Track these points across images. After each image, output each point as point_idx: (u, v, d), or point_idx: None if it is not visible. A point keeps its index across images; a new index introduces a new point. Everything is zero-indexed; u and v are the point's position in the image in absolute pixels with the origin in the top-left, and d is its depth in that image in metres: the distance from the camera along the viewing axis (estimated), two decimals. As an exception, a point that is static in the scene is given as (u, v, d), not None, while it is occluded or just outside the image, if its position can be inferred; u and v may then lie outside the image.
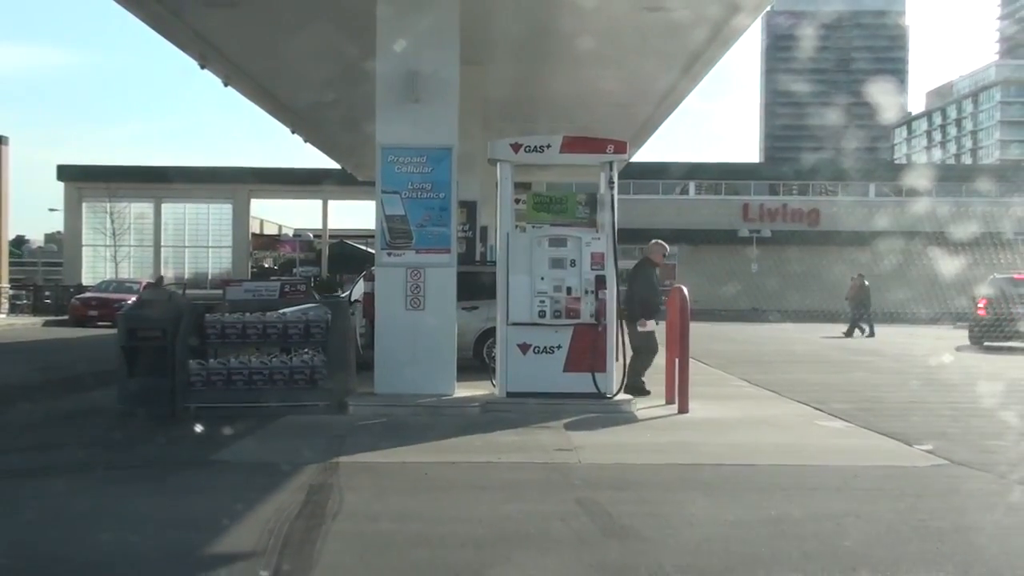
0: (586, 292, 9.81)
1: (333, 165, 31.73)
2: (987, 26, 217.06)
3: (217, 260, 47.03)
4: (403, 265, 10.08)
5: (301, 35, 14.82)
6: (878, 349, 21.15)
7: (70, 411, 10.17)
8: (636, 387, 10.54)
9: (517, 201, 10.12)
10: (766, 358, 18.65)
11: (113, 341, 10.12)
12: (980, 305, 21.80)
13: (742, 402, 11.06)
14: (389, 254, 10.14)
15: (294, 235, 51.74)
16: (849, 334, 25.81)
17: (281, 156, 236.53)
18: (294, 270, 45.32)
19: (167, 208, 46.76)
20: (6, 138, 37.57)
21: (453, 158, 10.15)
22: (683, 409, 9.75)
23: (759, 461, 7.39)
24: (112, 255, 44.02)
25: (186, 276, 45.10)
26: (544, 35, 15.31)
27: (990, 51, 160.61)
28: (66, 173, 46.12)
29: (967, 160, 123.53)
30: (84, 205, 45.88)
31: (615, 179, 10.03)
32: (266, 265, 50.25)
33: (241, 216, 46.79)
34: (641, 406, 9.87)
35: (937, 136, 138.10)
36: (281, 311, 10.08)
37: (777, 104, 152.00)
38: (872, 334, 25.50)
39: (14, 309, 34.20)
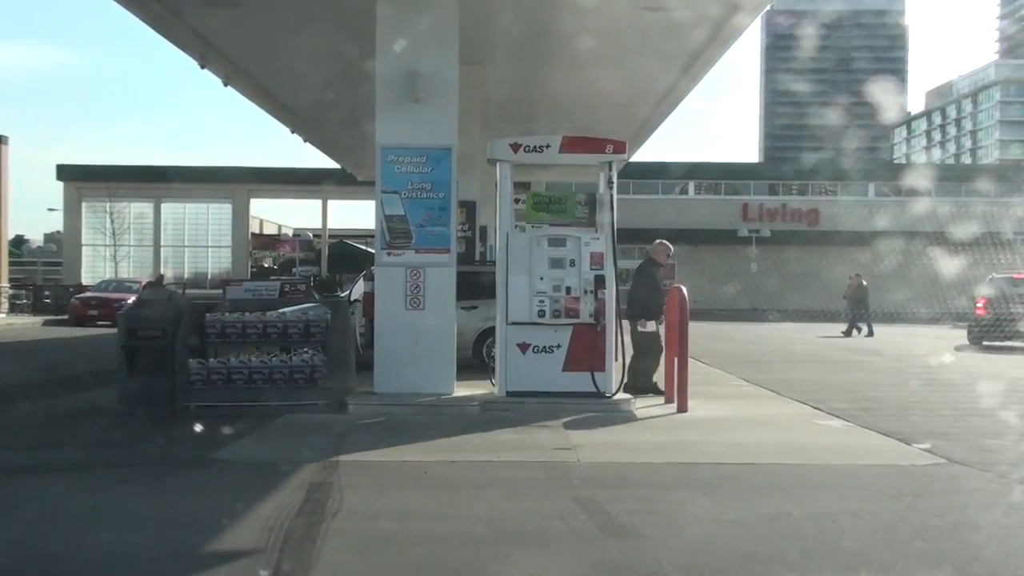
0: (585, 292, 9.82)
1: (333, 165, 31.75)
2: (987, 26, 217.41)
3: (217, 260, 47.08)
4: (403, 265, 10.09)
5: (301, 35, 14.84)
6: (877, 349, 21.17)
7: (70, 410, 10.18)
8: (642, 388, 10.55)
9: (516, 201, 10.14)
10: (765, 358, 18.67)
11: (113, 341, 10.14)
12: (979, 305, 21.82)
13: (741, 401, 11.07)
14: (389, 254, 10.15)
15: (294, 235, 51.81)
16: (848, 334, 25.84)
17: (281, 156, 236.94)
18: (294, 270, 45.35)
19: (167, 208, 46.81)
20: (6, 138, 37.59)
21: (453, 158, 10.16)
22: (682, 408, 9.77)
23: (758, 460, 7.41)
24: (112, 255, 44.07)
25: (186, 276, 45.14)
26: (544, 35, 15.33)
27: (990, 51, 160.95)
28: (66, 173, 46.17)
29: (967, 160, 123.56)
30: (84, 205, 45.94)
31: (614, 179, 10.05)
32: (266, 265, 50.31)
33: (241, 216, 46.83)
34: (640, 405, 9.89)
35: (937, 136, 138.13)
36: (281, 311, 10.10)
37: (777, 104, 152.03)
38: (871, 334, 25.53)
39: (14, 309, 34.23)
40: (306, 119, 22.59)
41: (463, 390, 10.15)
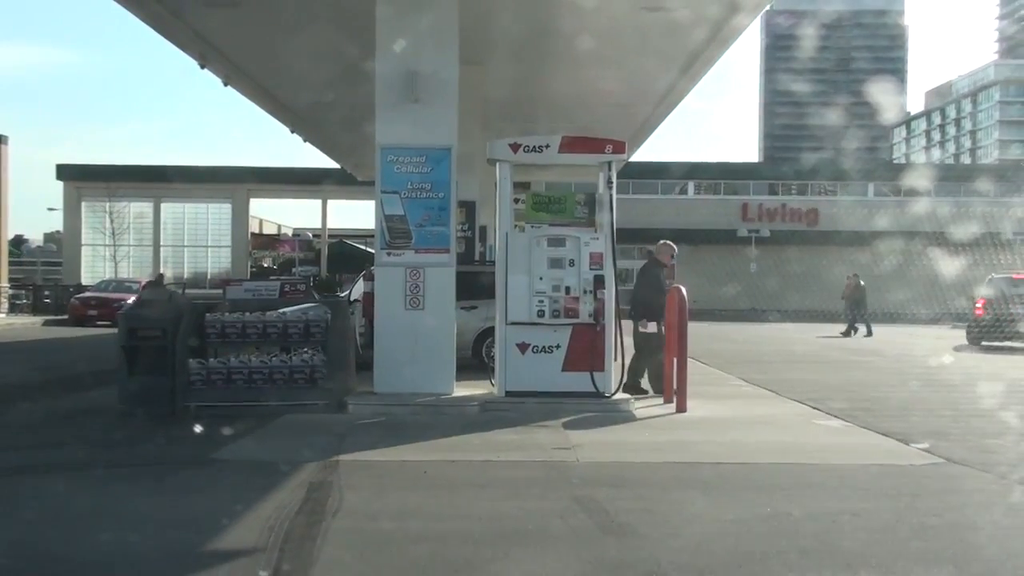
0: (585, 292, 9.84)
1: (332, 165, 31.76)
2: (986, 26, 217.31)
3: (216, 260, 47.09)
4: (402, 265, 10.11)
5: (301, 35, 14.86)
6: (876, 349, 21.19)
7: (70, 410, 10.20)
8: (629, 385, 10.59)
9: (516, 201, 10.15)
10: (764, 358, 18.69)
11: (113, 340, 10.16)
12: (978, 305, 21.84)
13: (740, 401, 11.09)
14: (388, 254, 10.16)
15: (293, 235, 51.81)
16: (847, 334, 25.88)
17: (280, 156, 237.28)
18: (293, 270, 45.35)
19: (166, 208, 46.82)
20: (5, 137, 37.61)
21: (452, 158, 10.17)
22: (681, 408, 9.78)
23: (757, 460, 7.42)
24: (111, 255, 44.09)
25: (185, 276, 45.15)
26: (544, 35, 15.35)
27: (989, 51, 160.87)
28: (65, 172, 46.18)
29: (966, 160, 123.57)
30: (83, 204, 45.95)
31: (614, 179, 10.07)
32: (265, 265, 50.30)
33: (240, 216, 46.85)
34: (639, 405, 9.90)
35: (936, 136, 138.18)
36: (281, 311, 10.11)
37: (776, 104, 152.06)
38: (869, 333, 25.54)
39: (13, 308, 34.25)
40: (306, 119, 22.60)
41: (463, 390, 10.16)
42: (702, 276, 39.00)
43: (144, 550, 4.98)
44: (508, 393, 9.73)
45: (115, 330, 10.09)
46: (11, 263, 43.28)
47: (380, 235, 10.21)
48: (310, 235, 49.80)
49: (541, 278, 9.87)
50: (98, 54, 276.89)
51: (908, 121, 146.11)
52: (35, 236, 73.59)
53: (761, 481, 6.70)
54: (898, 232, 41.49)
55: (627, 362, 10.24)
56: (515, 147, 10.01)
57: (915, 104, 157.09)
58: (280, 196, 49.68)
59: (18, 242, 64.89)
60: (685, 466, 7.20)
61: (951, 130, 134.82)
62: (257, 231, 50.54)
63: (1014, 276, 22.69)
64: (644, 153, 35.22)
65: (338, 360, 9.88)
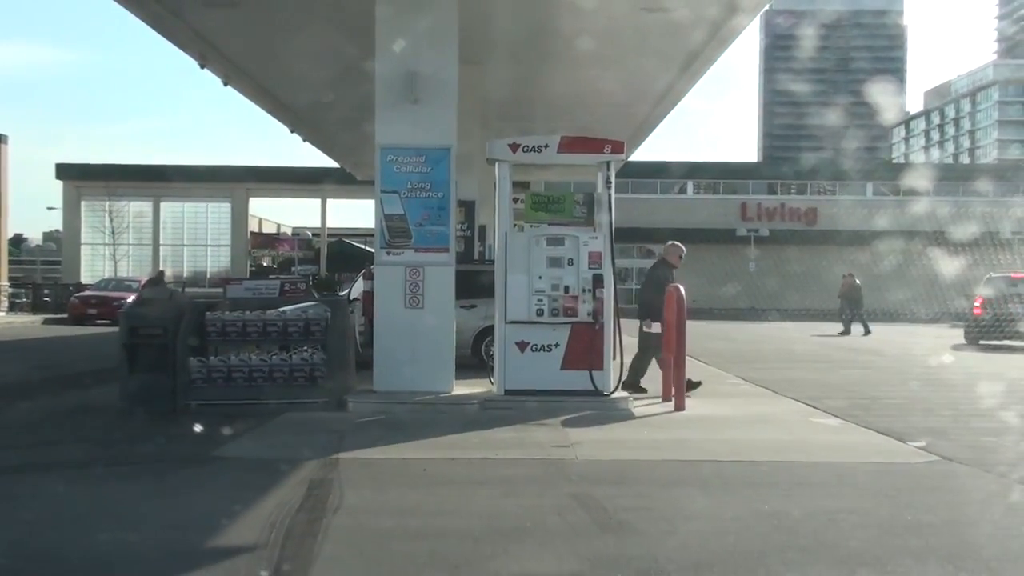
0: (584, 291, 9.87)
1: (332, 164, 31.78)
2: (985, 26, 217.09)
3: (216, 259, 47.10)
4: (402, 264, 10.14)
5: (301, 35, 14.89)
6: (875, 348, 21.23)
7: (70, 408, 10.23)
8: (629, 383, 10.63)
9: (515, 200, 10.19)
10: (763, 356, 18.74)
11: (113, 339, 10.19)
12: (976, 305, 21.88)
13: (738, 400, 11.13)
14: (388, 253, 10.20)
15: (293, 234, 51.80)
16: (846, 332, 25.94)
17: (280, 155, 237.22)
18: (293, 269, 45.37)
19: (166, 207, 46.82)
20: (5, 136, 37.71)
21: (452, 158, 10.20)
22: (680, 407, 9.82)
23: (755, 458, 7.45)
24: (111, 253, 44.12)
25: (185, 275, 45.16)
26: (543, 35, 15.38)
27: (988, 51, 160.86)
28: (65, 172, 46.19)
29: (965, 160, 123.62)
30: (83, 204, 45.96)
31: (612, 179, 10.10)
32: (264, 264, 50.30)
33: (240, 215, 46.86)
34: (638, 404, 9.94)
35: (935, 136, 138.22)
36: (281, 309, 10.15)
37: (776, 104, 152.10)
38: (867, 332, 25.57)
39: (13, 307, 34.30)
40: (306, 119, 22.63)
41: (462, 388, 10.20)
42: (701, 275, 39.03)
43: (145, 548, 5.00)
44: (507, 392, 9.76)
45: (115, 329, 10.14)
46: (11, 262, 43.38)
47: (380, 234, 10.24)
48: (309, 234, 49.81)
49: (540, 277, 9.90)
50: (98, 53, 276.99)
51: (907, 121, 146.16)
52: (34, 235, 73.62)
53: (759, 479, 6.74)
54: (897, 232, 41.54)
55: (626, 361, 10.27)
56: (514, 147, 10.05)
57: (914, 104, 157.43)
58: (279, 195, 49.67)
59: (17, 241, 64.92)
60: (683, 464, 7.23)
61: (950, 130, 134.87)
62: (256, 230, 50.53)
63: (1012, 276, 22.74)
64: (643, 153, 35.33)
65: (338, 359, 9.92)
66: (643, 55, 16.16)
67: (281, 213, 55.43)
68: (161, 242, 46.65)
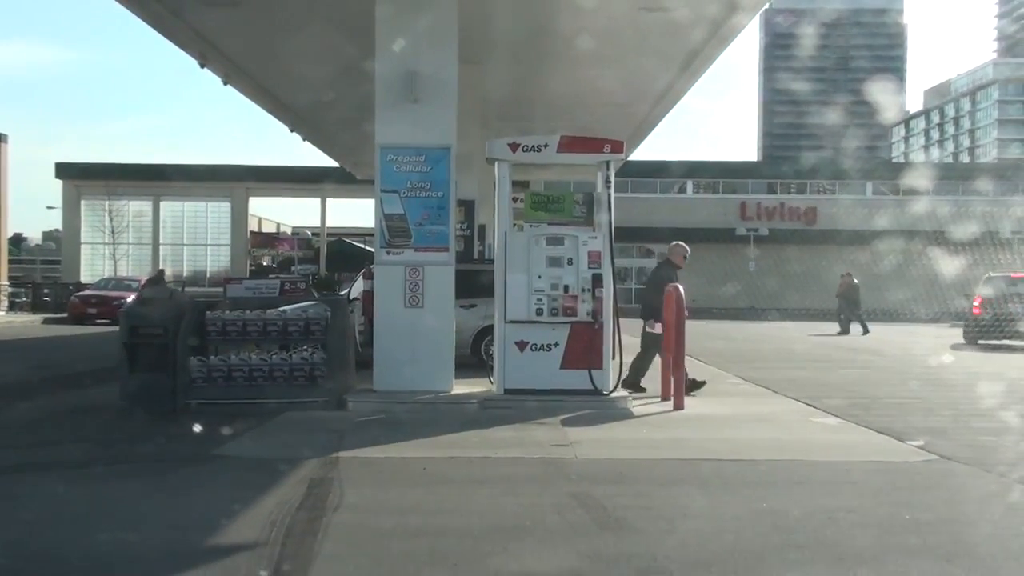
0: (583, 290, 9.89)
1: (332, 163, 31.81)
2: (985, 24, 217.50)
3: (215, 258, 47.13)
4: (402, 263, 10.15)
5: (301, 35, 14.90)
6: (874, 347, 21.24)
7: (71, 408, 10.24)
8: (629, 382, 10.66)
9: (515, 200, 10.21)
10: (763, 356, 18.75)
11: (112, 339, 10.20)
12: (975, 304, 21.90)
13: (738, 399, 11.15)
14: (388, 252, 10.21)
15: (292, 233, 51.84)
16: (845, 332, 25.96)
17: (280, 154, 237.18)
18: (292, 268, 45.40)
19: (166, 206, 46.86)
20: (5, 136, 37.71)
21: (451, 157, 10.22)
22: (679, 406, 9.84)
23: (754, 457, 7.47)
24: (111, 253, 44.14)
25: (184, 274, 45.18)
26: (543, 35, 15.39)
27: (988, 49, 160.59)
28: (64, 171, 46.22)
29: (965, 159, 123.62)
30: (82, 203, 46.00)
31: (612, 178, 10.12)
32: (264, 263, 50.32)
33: (240, 214, 46.90)
34: (637, 403, 9.96)
35: (935, 135, 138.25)
36: (281, 309, 10.17)
37: (775, 103, 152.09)
38: (866, 331, 25.59)
39: (13, 306, 34.31)
40: (305, 118, 22.65)
41: (462, 388, 10.22)
42: (701, 275, 39.04)
43: (144, 547, 5.01)
44: (507, 391, 9.78)
45: (114, 328, 10.15)
46: (10, 261, 43.37)
47: (379, 234, 10.26)
48: (309, 233, 49.84)
49: (540, 276, 9.92)
50: (98, 53, 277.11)
51: (907, 120, 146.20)
52: (34, 234, 73.54)
53: (758, 478, 6.76)
54: (897, 231, 41.56)
55: (626, 360, 10.29)
56: (514, 146, 10.07)
57: (914, 103, 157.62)
58: (279, 195, 49.72)
59: (17, 240, 64.87)
60: (682, 463, 7.25)
61: (950, 129, 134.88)
62: (256, 229, 50.58)
63: (1011, 275, 22.75)
64: (643, 152, 35.33)
65: (338, 358, 9.94)
66: (643, 55, 16.18)
67: (281, 212, 55.57)
68: (161, 241, 46.70)
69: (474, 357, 12.94)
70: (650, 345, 11.01)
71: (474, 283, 12.32)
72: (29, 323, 29.12)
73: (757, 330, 28.68)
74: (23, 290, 37.24)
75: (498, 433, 8.35)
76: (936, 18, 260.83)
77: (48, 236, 68.32)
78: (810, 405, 10.44)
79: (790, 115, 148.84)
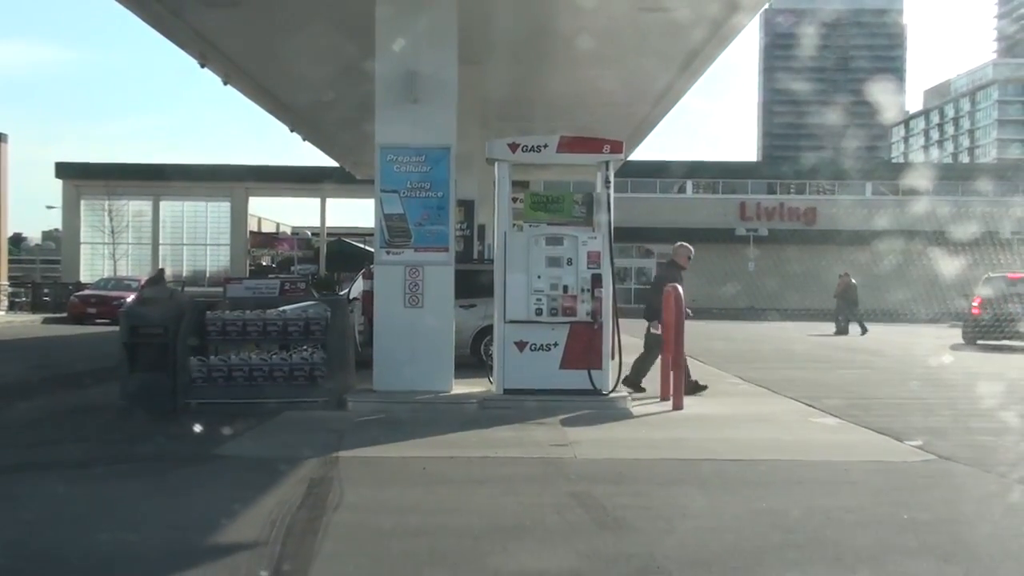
0: (582, 290, 9.89)
1: (332, 163, 31.81)
2: (985, 25, 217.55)
3: (215, 258, 47.12)
4: (402, 263, 10.16)
5: (301, 35, 14.90)
6: (873, 348, 21.25)
7: (71, 408, 10.24)
8: (630, 382, 10.67)
9: (514, 200, 10.22)
10: (762, 356, 18.77)
11: (112, 338, 10.21)
12: (975, 304, 21.91)
13: (737, 399, 11.16)
14: (388, 252, 10.22)
15: (292, 233, 51.83)
16: (844, 332, 25.96)
17: (280, 154, 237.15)
18: (292, 268, 45.39)
19: (165, 206, 46.84)
20: (5, 135, 37.70)
21: (451, 157, 10.23)
22: (678, 406, 9.85)
23: (753, 456, 7.48)
24: (110, 253, 44.12)
25: (184, 274, 45.18)
26: (542, 35, 15.40)
27: (988, 50, 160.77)
28: (64, 171, 46.20)
29: (964, 159, 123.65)
30: (82, 203, 45.97)
31: (611, 178, 10.12)
32: (264, 263, 50.33)
33: (239, 214, 46.90)
34: (636, 403, 9.97)
35: (935, 135, 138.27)
36: (281, 309, 10.17)
37: (775, 103, 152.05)
38: (864, 331, 25.60)
39: (13, 306, 34.31)
40: (305, 118, 22.65)
41: (461, 388, 10.22)
42: (700, 275, 38.96)
43: (144, 547, 5.01)
44: (506, 391, 9.79)
45: (115, 328, 10.15)
46: (10, 261, 43.33)
47: (379, 234, 10.27)
48: (309, 233, 49.84)
49: (539, 277, 9.92)
50: (98, 52, 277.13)
51: (907, 120, 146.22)
52: (33, 234, 73.52)
53: (757, 478, 6.76)
54: (897, 231, 41.56)
55: (626, 360, 10.29)
56: (513, 147, 10.07)
57: (914, 103, 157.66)
58: (279, 194, 49.72)
59: (17, 240, 64.84)
60: (681, 463, 7.25)
61: (950, 129, 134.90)
62: (256, 229, 50.57)
63: (1010, 276, 22.76)
64: (643, 152, 35.36)
65: (338, 358, 9.94)
66: (643, 55, 16.18)
67: (281, 212, 55.55)
68: (161, 241, 46.68)
69: (474, 357, 12.95)
70: (653, 346, 11.03)
71: (474, 283, 12.33)
72: (29, 323, 29.11)
73: (757, 330, 28.69)
74: (23, 290, 37.23)
75: (497, 433, 8.36)
76: (936, 18, 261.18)
77: (48, 236, 68.31)
78: (809, 405, 10.45)
79: (790, 115, 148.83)
